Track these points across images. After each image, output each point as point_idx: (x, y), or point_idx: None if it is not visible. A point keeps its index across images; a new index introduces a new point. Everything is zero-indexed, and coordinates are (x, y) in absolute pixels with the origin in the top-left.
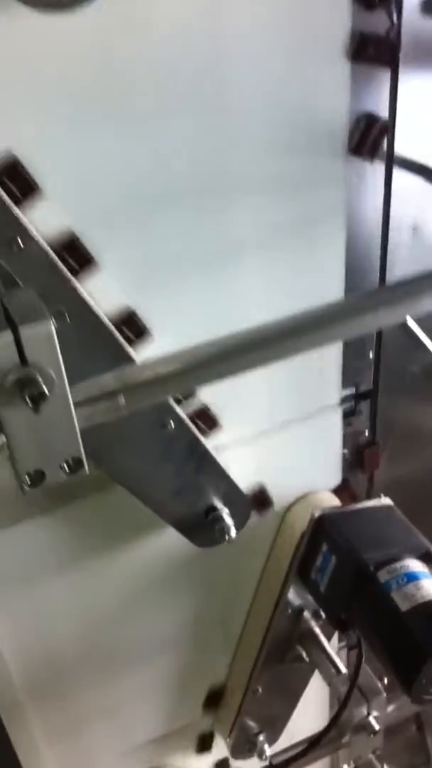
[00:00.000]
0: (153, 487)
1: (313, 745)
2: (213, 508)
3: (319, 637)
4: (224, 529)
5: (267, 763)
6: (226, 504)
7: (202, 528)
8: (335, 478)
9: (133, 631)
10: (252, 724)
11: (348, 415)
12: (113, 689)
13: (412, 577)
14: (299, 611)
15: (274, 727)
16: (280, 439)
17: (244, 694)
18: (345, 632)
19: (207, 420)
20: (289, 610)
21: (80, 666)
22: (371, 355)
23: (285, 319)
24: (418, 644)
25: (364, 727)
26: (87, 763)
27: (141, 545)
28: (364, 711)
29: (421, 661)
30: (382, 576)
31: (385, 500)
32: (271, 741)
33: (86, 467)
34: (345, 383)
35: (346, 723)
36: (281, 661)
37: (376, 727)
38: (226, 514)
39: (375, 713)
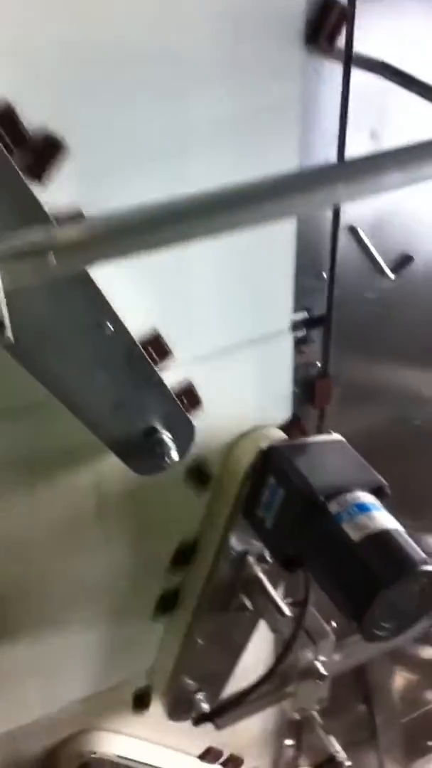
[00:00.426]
0: (89, 399)
1: (253, 689)
2: (153, 430)
3: (263, 582)
4: (165, 453)
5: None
6: (167, 427)
7: (142, 452)
8: (284, 412)
9: (64, 571)
10: (190, 681)
11: (299, 343)
12: (44, 638)
13: (363, 508)
14: (243, 555)
15: (214, 685)
16: (227, 366)
17: (182, 647)
18: (292, 571)
19: (158, 347)
20: (233, 553)
21: (10, 609)
22: (325, 275)
23: (235, 186)
24: (371, 574)
25: (311, 671)
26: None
27: (75, 472)
28: (311, 655)
29: (373, 591)
30: (333, 507)
31: (336, 436)
32: (211, 701)
33: (10, 334)
34: (297, 307)
35: (292, 668)
36: (223, 610)
37: (324, 672)
38: (167, 437)
39: (322, 658)
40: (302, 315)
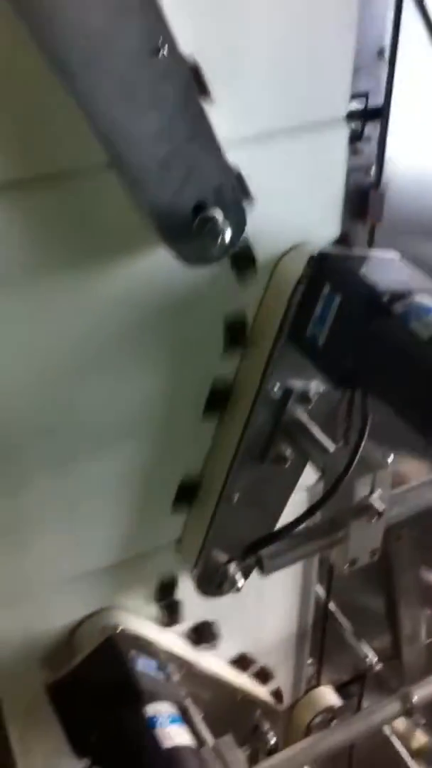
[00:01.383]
0: (138, 148)
1: (305, 516)
2: (203, 206)
3: (306, 424)
4: (216, 233)
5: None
6: (219, 204)
7: (189, 233)
8: (333, 227)
9: (90, 404)
10: (222, 551)
11: (353, 140)
12: (64, 486)
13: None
14: (283, 396)
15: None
16: (276, 157)
17: (215, 507)
18: (348, 388)
19: None
20: (274, 393)
21: (28, 445)
22: (386, 54)
23: None
24: None
25: (366, 509)
26: (24, 587)
27: (109, 269)
28: (366, 489)
29: None
30: (398, 308)
31: (392, 252)
32: (246, 572)
33: None
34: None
35: (345, 509)
36: (261, 459)
37: (380, 507)
38: (219, 214)
39: (379, 491)
40: (358, 104)
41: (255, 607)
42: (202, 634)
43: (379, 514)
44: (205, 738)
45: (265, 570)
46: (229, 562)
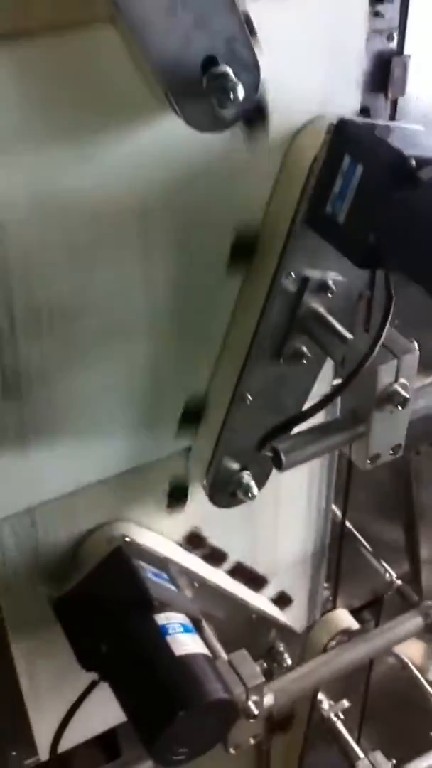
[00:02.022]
0: None
1: (324, 403)
2: (213, 61)
3: (324, 314)
4: (228, 90)
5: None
6: (230, 56)
7: (198, 91)
8: (353, 100)
9: (100, 283)
10: (234, 460)
11: (373, 1)
12: (72, 385)
13: None
14: (302, 285)
15: (262, 465)
16: (287, 16)
17: (230, 404)
18: (371, 268)
19: None
20: (290, 283)
21: (33, 332)
22: None
23: None
24: None
25: (390, 397)
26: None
27: (115, 138)
28: (390, 377)
29: None
30: (426, 173)
31: (418, 124)
32: (260, 480)
33: None
34: None
35: (368, 399)
36: (277, 357)
37: (405, 393)
38: (230, 71)
39: (403, 380)
40: None
41: (269, 526)
42: (215, 553)
43: (404, 403)
44: (219, 653)
45: (283, 465)
46: (242, 470)
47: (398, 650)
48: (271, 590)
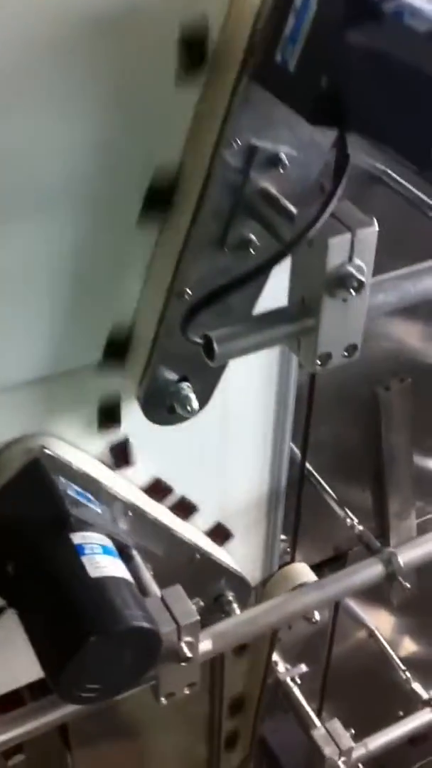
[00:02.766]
0: None
1: (253, 274)
2: None
3: (276, 196)
4: None
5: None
6: None
7: None
8: None
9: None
10: (172, 369)
11: None
12: None
13: None
14: (249, 156)
15: (205, 378)
16: None
17: (165, 301)
18: (326, 121)
19: None
20: (236, 146)
21: None
22: None
23: None
24: None
25: (343, 281)
26: None
27: None
28: (344, 253)
29: None
30: (388, 6)
31: None
32: (203, 395)
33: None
34: None
35: (317, 287)
36: (220, 245)
37: (360, 277)
38: None
39: (360, 260)
40: None
41: (217, 460)
42: (155, 484)
43: (359, 288)
44: (151, 587)
45: (215, 355)
46: (182, 381)
47: (367, 621)
48: (219, 533)
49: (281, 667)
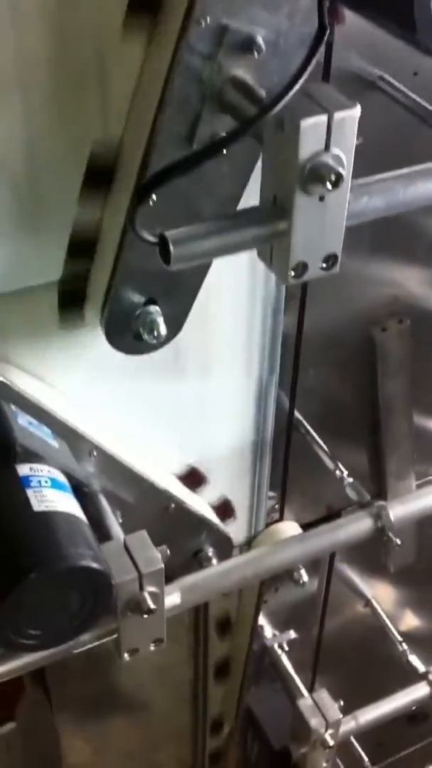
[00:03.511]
0: None
1: (212, 149)
2: None
3: (248, 84)
4: None
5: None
6: None
7: None
8: None
9: None
10: (138, 290)
11: None
12: None
13: None
14: (219, 37)
15: (175, 301)
16: None
17: (130, 205)
18: None
19: None
20: (205, 24)
21: None
22: None
23: None
24: None
25: (317, 173)
26: None
27: None
28: (320, 141)
29: None
30: None
31: None
32: (173, 323)
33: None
34: None
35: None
36: (188, 142)
37: (338, 169)
38: None
39: (338, 149)
40: None
41: (196, 402)
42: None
43: (337, 181)
44: (114, 531)
45: (171, 257)
46: (149, 303)
47: (364, 590)
48: (200, 485)
49: (268, 632)
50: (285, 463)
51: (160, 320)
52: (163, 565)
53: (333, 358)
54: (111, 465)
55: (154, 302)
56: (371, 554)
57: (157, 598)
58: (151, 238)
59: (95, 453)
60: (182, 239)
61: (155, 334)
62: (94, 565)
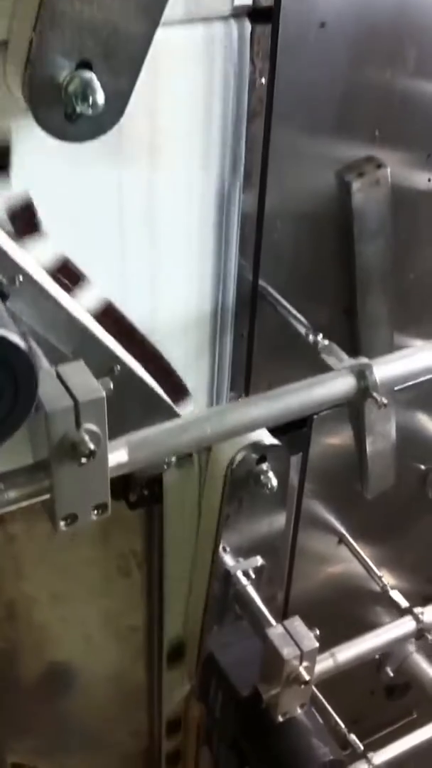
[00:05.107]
0: None
1: None
2: None
3: None
4: None
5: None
6: None
7: None
8: None
9: None
10: (65, 51)
11: None
12: None
13: None
14: None
15: (115, 65)
16: None
17: None
18: None
19: None
20: None
21: None
22: None
23: None
24: None
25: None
26: None
27: None
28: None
29: None
30: None
31: None
32: (113, 99)
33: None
34: None
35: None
36: None
37: None
38: None
39: None
40: None
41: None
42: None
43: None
44: (44, 363)
45: None
46: (82, 66)
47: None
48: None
49: (229, 560)
50: (250, 335)
51: (97, 86)
52: (104, 395)
53: (302, 215)
54: (40, 298)
55: (88, 66)
56: (345, 487)
57: (98, 439)
58: None
59: (21, 278)
60: None
61: (90, 101)
62: (11, 336)
